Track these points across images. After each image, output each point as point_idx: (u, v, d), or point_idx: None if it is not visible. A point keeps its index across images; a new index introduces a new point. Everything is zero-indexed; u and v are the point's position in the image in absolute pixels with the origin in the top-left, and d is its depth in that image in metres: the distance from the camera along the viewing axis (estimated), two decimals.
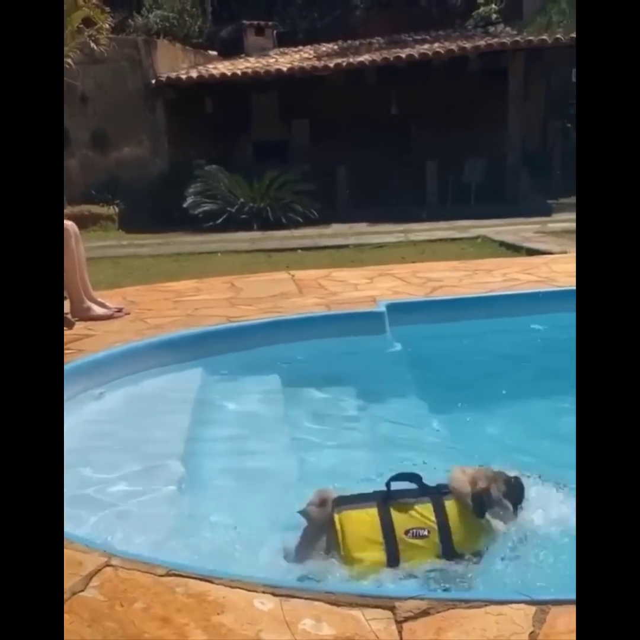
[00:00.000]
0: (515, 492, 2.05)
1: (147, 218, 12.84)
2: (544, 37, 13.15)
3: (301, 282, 6.03)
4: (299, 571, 1.94)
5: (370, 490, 2.10)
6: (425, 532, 1.97)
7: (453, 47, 13.70)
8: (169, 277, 6.99)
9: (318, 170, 13.28)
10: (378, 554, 1.95)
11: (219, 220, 12.38)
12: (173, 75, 13.90)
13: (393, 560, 1.94)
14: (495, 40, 13.89)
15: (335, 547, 1.96)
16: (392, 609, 1.57)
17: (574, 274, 4.86)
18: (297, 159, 14.06)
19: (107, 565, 1.78)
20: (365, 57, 14.00)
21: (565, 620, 1.52)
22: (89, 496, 2.55)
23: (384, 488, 2.06)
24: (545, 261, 6.88)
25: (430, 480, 2.10)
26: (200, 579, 1.71)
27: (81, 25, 11.29)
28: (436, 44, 14.45)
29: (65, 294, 4.49)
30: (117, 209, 13.32)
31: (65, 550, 1.74)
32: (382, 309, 4.76)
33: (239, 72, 14.10)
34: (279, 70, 13.86)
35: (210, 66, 14.99)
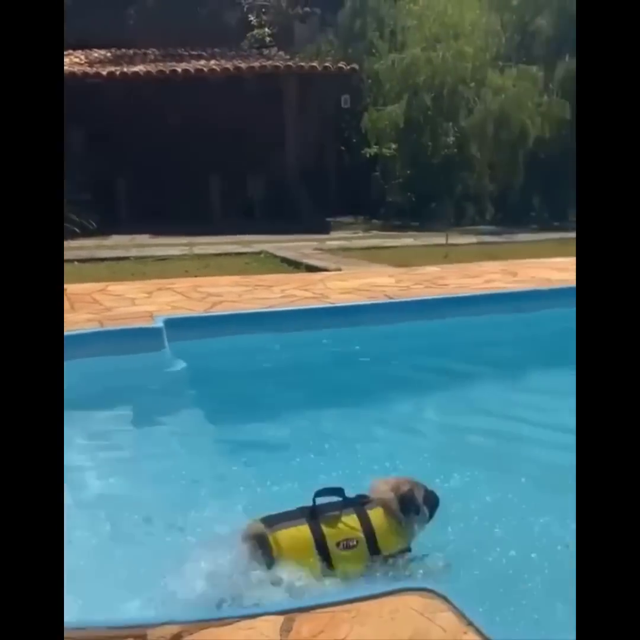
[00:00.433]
0: (431, 499, 2.32)
1: None
2: (314, 64, 13.91)
3: (74, 297, 5.64)
4: (234, 594, 1.97)
5: (295, 508, 2.20)
6: (354, 542, 2.14)
7: (229, 65, 13.92)
8: None
9: (96, 180, 12.63)
10: (314, 568, 2.08)
11: None
12: None
13: (325, 569, 2.10)
14: (270, 62, 14.39)
15: (272, 565, 2.05)
16: (143, 637, 1.58)
17: (346, 291, 5.14)
18: (70, 168, 13.19)
19: None
20: (140, 68, 13.65)
21: (309, 626, 1.65)
22: None
23: (309, 504, 2.18)
24: (321, 278, 7.22)
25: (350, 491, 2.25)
26: None
27: None
28: (212, 61, 14.57)
29: None
30: None
31: None
32: (160, 324, 4.65)
33: None
34: None
35: None
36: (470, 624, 1.69)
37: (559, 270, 7.48)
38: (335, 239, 11.59)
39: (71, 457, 3.01)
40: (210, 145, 14.29)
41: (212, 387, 4.32)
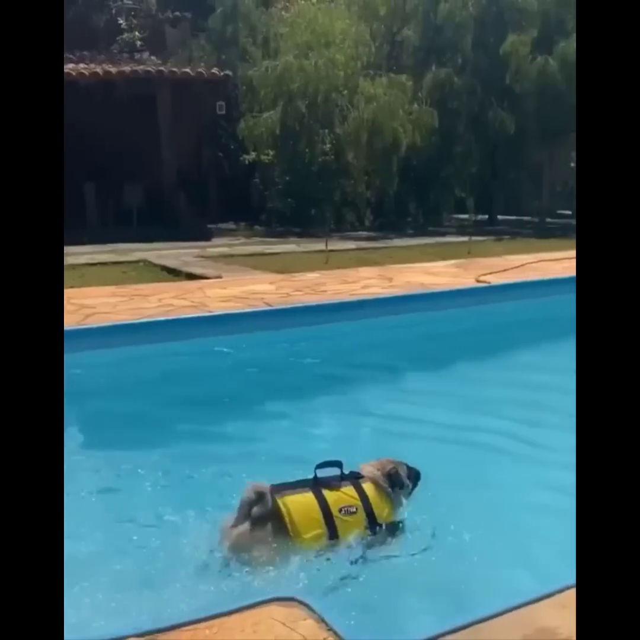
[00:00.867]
0: (413, 474, 2.64)
1: None
2: (187, 69, 13.68)
3: None
4: (247, 557, 2.18)
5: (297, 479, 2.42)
6: (354, 509, 2.40)
7: (98, 70, 13.40)
8: None
9: None
10: (320, 531, 2.31)
11: None
12: None
13: (332, 534, 2.33)
14: (141, 67, 13.98)
15: (281, 529, 2.26)
16: None
17: (225, 299, 5.02)
18: None
19: None
20: None
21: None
22: None
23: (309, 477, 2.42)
24: (201, 286, 7.09)
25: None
26: None
27: None
28: (81, 65, 13.96)
29: None
30: None
31: None
32: None
33: None
34: None
35: None
36: (330, 629, 1.74)
37: (432, 275, 7.81)
38: (217, 246, 11.46)
39: None
40: (82, 151, 13.68)
41: (79, 404, 4.10)
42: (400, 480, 2.55)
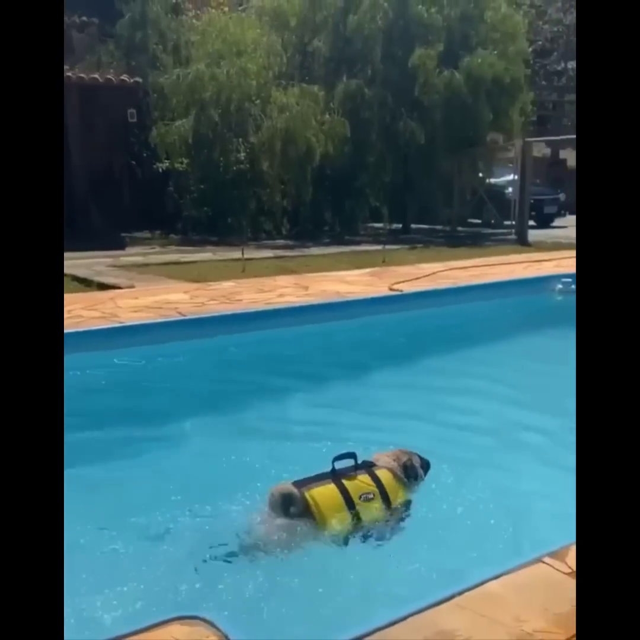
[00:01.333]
0: (424, 464, 2.90)
1: None
2: (96, 75, 13.33)
3: None
4: (283, 546, 2.42)
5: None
6: (371, 495, 2.65)
7: None
8: None
9: None
10: (344, 517, 2.57)
11: None
12: None
13: (355, 519, 2.58)
14: None
15: (311, 519, 2.51)
16: None
17: (137, 309, 4.90)
18: None
19: None
20: None
21: None
22: None
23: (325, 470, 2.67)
24: (112, 296, 6.90)
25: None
26: None
27: None
28: None
29: None
30: None
31: None
32: None
33: None
34: None
35: None
36: None
37: (347, 283, 7.91)
38: (131, 255, 11.18)
39: None
40: None
41: None
42: (415, 471, 2.83)
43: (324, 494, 2.59)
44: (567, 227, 15.56)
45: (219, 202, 13.81)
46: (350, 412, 4.29)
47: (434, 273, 8.65)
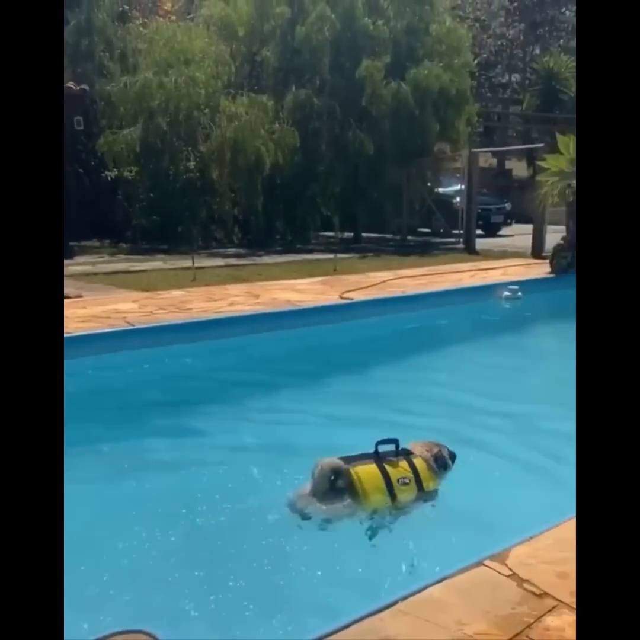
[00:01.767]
0: (452, 455, 3.16)
1: None
2: None
3: None
4: (323, 516, 2.70)
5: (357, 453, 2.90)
6: (408, 480, 2.88)
7: None
8: None
9: None
10: (383, 496, 2.80)
11: None
12: None
13: (393, 499, 2.82)
14: None
15: (355, 493, 2.76)
16: None
17: (85, 318, 4.81)
18: None
19: None
20: None
21: None
22: None
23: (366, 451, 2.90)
24: None
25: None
26: None
27: None
28: None
29: None
30: None
31: None
32: None
33: None
34: None
35: None
36: None
37: (299, 292, 7.93)
38: (79, 264, 10.95)
39: None
40: None
41: None
42: (444, 462, 3.10)
43: (367, 472, 2.82)
44: (513, 235, 15.93)
45: (169, 210, 13.68)
46: (300, 419, 4.30)
47: (384, 281, 8.75)
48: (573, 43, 27.63)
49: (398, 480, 2.85)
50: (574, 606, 1.83)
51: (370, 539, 2.71)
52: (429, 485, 2.96)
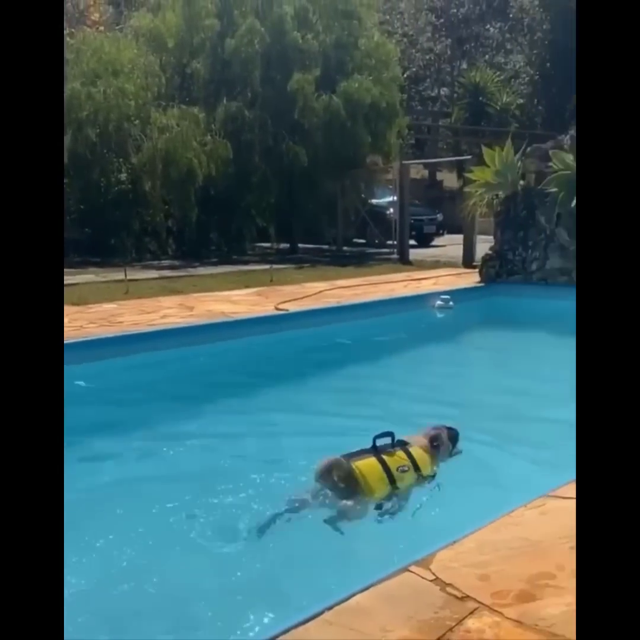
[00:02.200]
0: (454, 434, 3.41)
1: None
2: None
3: None
4: (330, 513, 2.86)
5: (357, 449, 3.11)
6: (406, 468, 3.12)
7: None
8: None
9: None
10: (385, 487, 3.03)
11: None
12: None
13: (393, 487, 3.05)
14: None
15: (357, 486, 2.94)
16: None
17: None
18: None
19: None
20: None
21: None
22: None
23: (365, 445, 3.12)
24: None
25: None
26: None
27: None
28: None
29: None
30: None
31: None
32: None
33: None
34: None
35: None
36: None
37: (233, 303, 7.88)
38: None
39: None
40: None
41: None
42: (440, 441, 3.32)
43: (368, 465, 3.04)
44: (445, 246, 16.30)
45: (100, 222, 13.42)
46: (235, 431, 4.27)
47: (319, 292, 8.79)
48: (497, 58, 28.68)
49: (397, 469, 3.09)
50: (494, 608, 1.88)
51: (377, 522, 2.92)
52: (426, 469, 3.21)
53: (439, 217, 18.95)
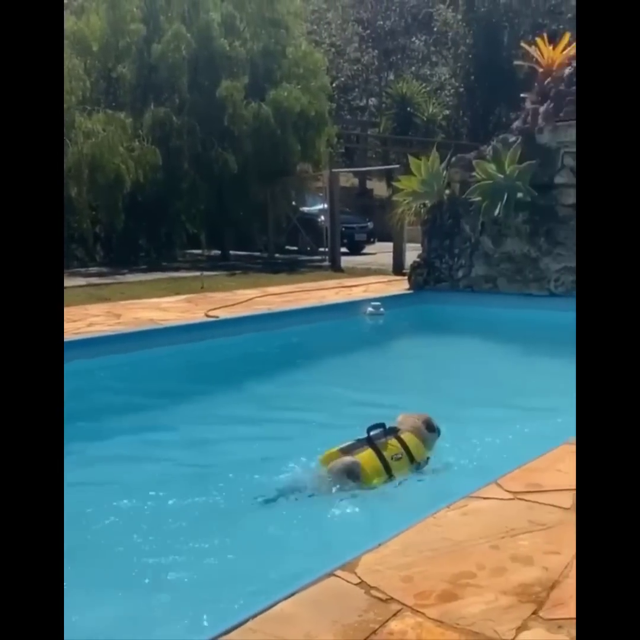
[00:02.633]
0: (436, 425, 3.63)
1: None
2: None
3: None
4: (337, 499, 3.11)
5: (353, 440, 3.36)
6: (400, 456, 3.35)
7: None
8: None
9: None
10: (383, 477, 3.28)
11: None
12: None
13: (389, 475, 3.29)
14: None
15: (357, 476, 3.20)
16: None
17: None
18: None
19: None
20: None
21: None
22: None
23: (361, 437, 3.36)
24: None
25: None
26: None
27: None
28: None
29: None
30: None
31: None
32: None
33: None
34: None
35: None
36: None
37: (163, 310, 7.76)
38: None
39: None
40: None
41: None
42: (433, 425, 3.58)
43: (366, 457, 3.26)
44: (376, 253, 16.54)
45: None
46: (162, 440, 4.20)
47: (250, 299, 8.76)
48: (423, 70, 29.43)
49: (392, 457, 3.32)
50: (416, 609, 1.92)
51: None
52: (419, 455, 3.42)
53: (370, 225, 19.21)
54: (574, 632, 1.80)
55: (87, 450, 4.00)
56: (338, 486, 3.17)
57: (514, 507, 2.57)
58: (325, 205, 14.96)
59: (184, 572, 2.59)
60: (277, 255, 16.70)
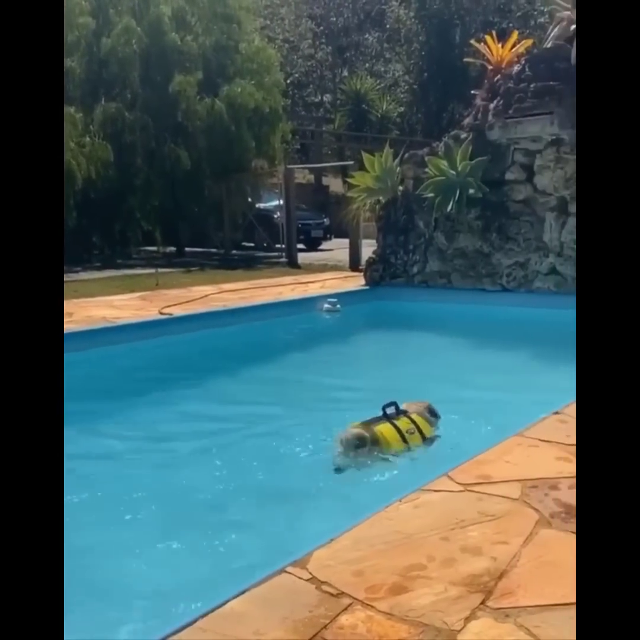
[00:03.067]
0: (436, 410, 4.04)
1: None
2: None
3: None
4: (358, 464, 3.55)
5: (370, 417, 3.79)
6: (413, 430, 3.78)
7: None
8: None
9: None
10: (401, 446, 3.71)
11: None
12: None
13: (406, 445, 3.72)
14: None
15: (379, 446, 3.66)
16: None
17: None
18: None
19: None
20: None
21: None
22: None
23: (379, 413, 3.82)
24: None
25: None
26: None
27: None
28: None
29: None
30: None
31: None
32: None
33: None
34: None
35: None
36: None
37: (116, 308, 7.63)
38: None
39: None
40: None
41: None
42: (434, 411, 4.00)
43: (385, 429, 3.70)
44: (333, 249, 16.59)
45: None
46: (116, 437, 4.14)
47: (206, 296, 8.69)
48: (377, 67, 29.60)
49: (407, 431, 3.74)
50: (367, 603, 1.94)
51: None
52: (427, 432, 3.84)
53: (326, 221, 19.24)
54: (520, 620, 1.84)
55: None
56: (352, 454, 3.57)
57: (464, 498, 2.62)
58: (281, 202, 14.94)
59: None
60: (233, 251, 16.60)
